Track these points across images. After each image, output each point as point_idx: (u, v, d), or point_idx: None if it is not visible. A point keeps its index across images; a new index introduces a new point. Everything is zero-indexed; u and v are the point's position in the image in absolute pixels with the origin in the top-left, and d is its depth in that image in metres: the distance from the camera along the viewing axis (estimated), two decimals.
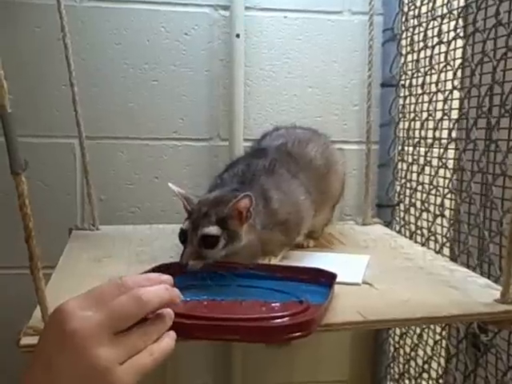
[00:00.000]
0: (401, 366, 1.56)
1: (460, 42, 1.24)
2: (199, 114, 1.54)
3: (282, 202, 1.12)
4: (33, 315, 0.81)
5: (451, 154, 1.30)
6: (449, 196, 1.30)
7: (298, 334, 0.74)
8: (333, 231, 1.40)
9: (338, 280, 0.91)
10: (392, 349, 1.61)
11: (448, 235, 1.30)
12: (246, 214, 0.99)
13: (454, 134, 1.26)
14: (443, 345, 1.34)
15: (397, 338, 1.57)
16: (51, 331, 0.63)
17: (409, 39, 1.48)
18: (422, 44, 1.40)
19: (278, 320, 0.77)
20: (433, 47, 1.34)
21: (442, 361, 1.34)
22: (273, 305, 0.85)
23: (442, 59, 1.30)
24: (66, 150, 1.48)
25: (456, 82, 1.24)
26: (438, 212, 1.33)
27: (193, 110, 1.54)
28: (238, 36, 1.48)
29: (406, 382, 1.53)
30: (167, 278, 0.72)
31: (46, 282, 0.98)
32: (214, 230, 0.96)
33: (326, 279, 0.93)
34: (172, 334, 0.68)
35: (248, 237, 1.02)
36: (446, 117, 1.29)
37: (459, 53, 1.25)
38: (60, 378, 0.60)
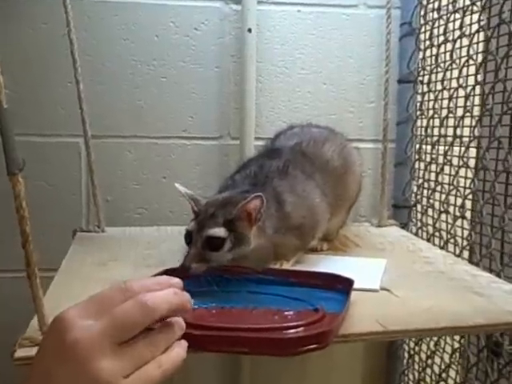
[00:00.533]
0: (416, 373, 1.50)
1: (483, 35, 1.18)
2: (209, 112, 1.50)
3: (296, 205, 1.07)
4: (30, 325, 0.77)
5: (473, 153, 1.25)
6: (470, 197, 1.25)
7: (313, 346, 0.69)
8: (348, 233, 1.35)
9: (354, 286, 0.86)
10: (407, 355, 1.56)
11: (469, 238, 1.24)
12: (255, 215, 0.95)
13: (476, 132, 1.20)
14: (462, 352, 1.28)
15: (412, 345, 1.52)
16: (50, 341, 0.59)
17: (428, 33, 1.43)
18: (442, 38, 1.35)
19: (292, 330, 0.72)
20: (454, 41, 1.28)
21: (461, 369, 1.28)
22: (286, 313, 0.80)
23: (464, 53, 1.24)
24: (72, 149, 1.44)
25: (479, 77, 1.18)
26: (458, 213, 1.28)
27: (202, 108, 1.49)
28: (249, 31, 1.43)
29: None
30: (177, 281, 0.66)
31: (47, 286, 0.95)
32: (219, 231, 0.92)
33: (342, 285, 0.88)
34: (183, 343, 0.64)
35: (257, 240, 0.98)
36: (467, 114, 1.23)
37: (482, 47, 1.20)
38: None
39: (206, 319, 0.77)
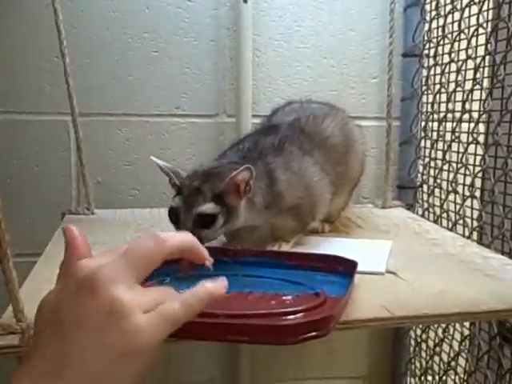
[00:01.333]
0: (423, 361, 1.45)
1: (494, 2, 1.11)
2: (204, 89, 1.42)
3: (291, 184, 1.00)
4: (6, 311, 0.70)
5: (483, 128, 1.18)
6: (480, 175, 1.18)
7: (313, 333, 0.62)
8: (349, 215, 1.29)
9: (358, 269, 0.80)
10: (414, 343, 1.50)
11: (479, 219, 1.17)
12: (244, 187, 0.89)
13: (486, 106, 1.14)
14: (473, 340, 1.22)
15: (419, 332, 1.46)
16: (61, 282, 0.57)
17: (434, 3, 1.35)
18: (449, 7, 1.27)
19: (291, 316, 0.66)
20: (463, 9, 1.20)
21: (471, 357, 1.22)
22: (284, 298, 0.74)
23: (473, 22, 1.17)
24: (59, 127, 1.37)
25: (490, 47, 1.11)
26: (467, 193, 1.21)
27: (197, 84, 1.42)
28: (245, 1, 1.35)
29: (429, 379, 1.42)
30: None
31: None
32: (210, 207, 0.86)
33: (344, 268, 0.82)
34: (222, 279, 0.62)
35: (248, 214, 0.92)
36: (477, 86, 1.16)
37: (492, 14, 1.13)
38: (74, 329, 0.53)
39: None
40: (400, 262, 0.93)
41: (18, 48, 1.34)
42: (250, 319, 0.65)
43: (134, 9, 1.37)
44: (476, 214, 1.20)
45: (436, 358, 1.37)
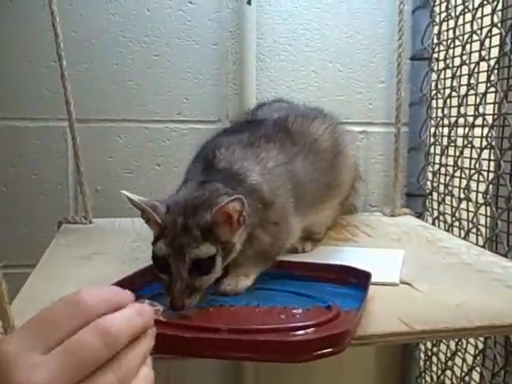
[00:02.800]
0: (434, 376, 1.40)
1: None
2: (206, 94, 1.39)
3: (262, 176, 0.87)
4: None
5: (497, 132, 1.14)
6: (494, 181, 1.14)
7: (328, 350, 0.58)
8: (357, 223, 1.25)
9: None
10: (424, 356, 1.45)
11: (494, 227, 1.12)
12: (237, 218, 0.75)
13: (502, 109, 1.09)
14: (487, 353, 1.17)
15: (429, 345, 1.41)
16: None
17: (444, 4, 1.31)
18: (460, 8, 1.23)
19: (302, 332, 0.61)
20: (475, 10, 1.16)
21: (486, 372, 1.17)
22: (294, 311, 0.70)
23: (486, 23, 1.13)
24: (57, 134, 1.34)
25: (505, 47, 1.07)
26: (481, 200, 1.16)
27: (199, 89, 1.39)
28: (249, 3, 1.33)
29: None
30: (129, 294, 0.52)
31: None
32: (206, 249, 0.72)
33: (357, 279, 0.78)
34: (148, 360, 0.51)
35: (241, 241, 0.80)
36: (491, 89, 1.12)
37: (506, 14, 1.09)
38: None
39: (201, 319, 0.68)
40: (414, 271, 0.90)
41: (14, 53, 1.31)
42: (257, 335, 0.61)
43: (134, 11, 1.34)
44: (490, 222, 1.16)
45: (448, 373, 1.32)
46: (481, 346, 1.19)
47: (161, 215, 0.75)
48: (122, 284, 0.68)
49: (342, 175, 1.06)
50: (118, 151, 1.37)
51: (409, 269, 0.91)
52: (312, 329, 0.62)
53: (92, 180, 1.30)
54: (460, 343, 1.26)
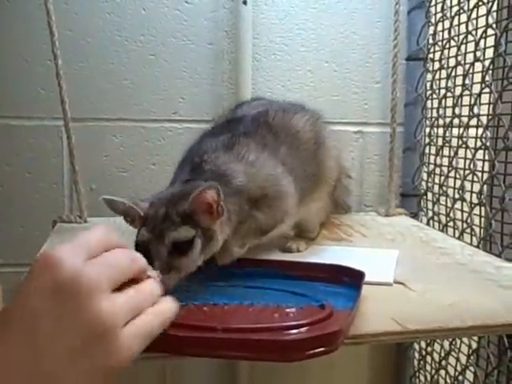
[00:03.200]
0: (428, 375, 1.39)
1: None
2: (201, 93, 1.39)
3: (248, 174, 0.89)
4: None
5: (492, 133, 1.14)
6: (489, 182, 1.14)
7: (321, 349, 0.58)
8: (352, 223, 1.25)
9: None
10: (418, 355, 1.45)
11: (488, 227, 1.13)
12: (216, 207, 0.77)
13: (496, 109, 1.09)
14: (481, 353, 1.17)
15: (424, 344, 1.41)
16: (37, 279, 0.51)
17: (440, 5, 1.32)
18: (455, 9, 1.24)
19: (295, 331, 0.62)
20: (470, 10, 1.17)
21: (480, 372, 1.17)
22: (287, 310, 0.70)
23: (482, 24, 1.13)
24: (52, 133, 1.33)
25: (500, 48, 1.07)
26: (475, 201, 1.17)
27: (194, 88, 1.38)
28: (245, 3, 1.32)
29: None
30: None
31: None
32: (185, 231, 0.75)
33: (350, 278, 0.78)
34: (169, 298, 0.60)
35: (224, 235, 0.82)
36: (486, 90, 1.12)
37: (501, 14, 1.09)
38: (50, 343, 0.49)
39: (194, 318, 0.67)
40: (408, 271, 0.90)
41: (10, 51, 1.30)
42: (251, 334, 0.61)
43: (130, 10, 1.33)
44: (484, 222, 1.16)
45: (442, 372, 1.32)
46: (474, 345, 1.19)
47: (144, 209, 0.78)
48: None
49: (326, 165, 1.05)
50: (113, 150, 1.36)
51: (403, 269, 0.91)
52: (305, 328, 0.62)
53: (87, 179, 1.30)
54: (454, 343, 1.26)
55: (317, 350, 0.57)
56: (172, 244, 0.73)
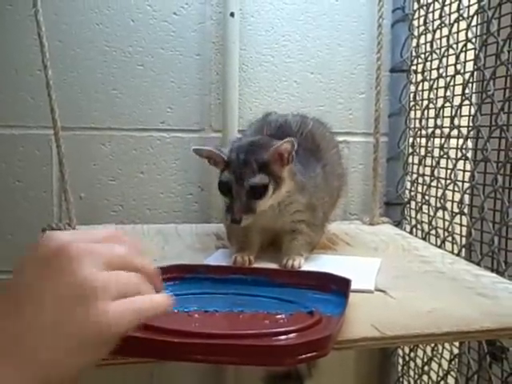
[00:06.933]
0: (412, 380, 1.42)
1: (482, 17, 1.10)
2: (189, 103, 1.41)
3: (321, 180, 1.04)
4: None
5: (471, 144, 1.17)
6: (469, 192, 1.17)
7: (313, 354, 0.59)
8: (337, 231, 1.27)
9: None
10: (402, 361, 1.47)
11: (468, 236, 1.15)
12: (287, 156, 0.92)
13: (475, 121, 1.12)
14: (462, 358, 1.20)
15: (407, 350, 1.43)
16: (32, 253, 0.52)
17: (422, 19, 1.34)
18: (437, 23, 1.27)
19: (285, 336, 0.63)
20: (451, 25, 1.20)
21: (461, 377, 1.20)
22: (277, 317, 0.71)
23: (462, 38, 1.16)
24: (42, 142, 1.35)
25: (479, 62, 1.10)
26: (456, 210, 1.19)
27: (182, 98, 1.40)
28: (232, 15, 1.34)
29: None
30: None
31: None
32: (261, 178, 0.91)
33: (337, 286, 0.80)
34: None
35: (289, 183, 0.96)
36: (466, 102, 1.15)
37: (481, 29, 1.12)
38: (35, 310, 0.49)
39: (186, 324, 0.68)
40: (389, 279, 0.92)
41: (0, 61, 1.32)
42: (243, 339, 0.62)
43: (119, 22, 1.35)
44: (465, 230, 1.19)
45: (425, 377, 1.34)
46: (456, 351, 1.22)
47: (226, 154, 0.94)
48: None
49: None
50: (102, 159, 1.38)
51: (384, 277, 0.93)
52: (296, 333, 0.63)
53: (76, 187, 1.31)
54: (436, 349, 1.28)
55: (309, 355, 0.59)
56: (250, 187, 0.90)
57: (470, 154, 1.17)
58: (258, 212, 0.91)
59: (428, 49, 1.33)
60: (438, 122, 1.27)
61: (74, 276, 0.50)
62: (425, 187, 1.34)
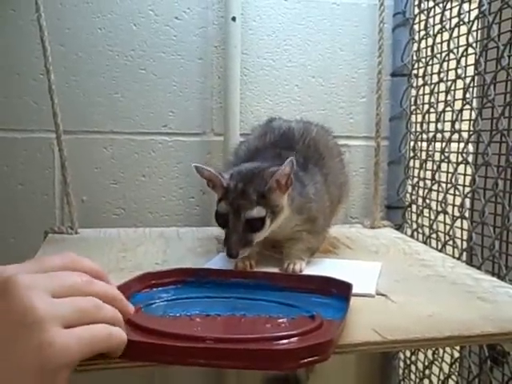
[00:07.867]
0: None
1: (483, 22, 1.11)
2: (191, 107, 1.41)
3: (317, 195, 1.02)
4: None
5: (472, 148, 1.17)
6: (470, 196, 1.17)
7: (315, 358, 0.59)
8: (338, 235, 1.27)
9: None
10: (403, 365, 1.48)
11: (469, 240, 1.16)
12: (286, 181, 0.92)
13: (476, 126, 1.13)
14: (463, 362, 1.20)
15: (408, 354, 1.44)
16: None
17: (423, 23, 1.35)
18: (438, 27, 1.27)
19: (287, 340, 0.63)
20: (452, 29, 1.20)
21: (462, 380, 1.20)
22: (279, 321, 0.71)
23: (462, 42, 1.17)
24: (44, 145, 1.35)
25: (479, 67, 1.10)
26: (457, 213, 1.20)
27: (184, 102, 1.41)
28: (233, 20, 1.35)
29: None
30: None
31: None
32: (258, 211, 0.90)
33: (338, 290, 0.80)
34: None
35: (288, 209, 0.95)
36: (467, 106, 1.16)
37: (481, 34, 1.12)
38: None
39: (187, 328, 0.68)
40: (390, 283, 0.92)
41: (3, 65, 1.32)
42: (245, 343, 0.62)
43: (122, 26, 1.36)
44: (466, 234, 1.19)
45: (426, 381, 1.34)
46: (457, 355, 1.22)
47: (226, 180, 0.92)
48: None
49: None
50: (104, 162, 1.38)
51: (385, 281, 0.93)
52: (298, 337, 0.63)
53: (78, 191, 1.32)
54: (437, 352, 1.28)
55: (311, 359, 0.59)
56: (246, 220, 0.89)
57: (470, 159, 1.18)
58: (256, 242, 0.91)
59: (429, 53, 1.33)
60: (439, 126, 1.28)
61: (17, 306, 0.49)
62: (426, 191, 1.35)
